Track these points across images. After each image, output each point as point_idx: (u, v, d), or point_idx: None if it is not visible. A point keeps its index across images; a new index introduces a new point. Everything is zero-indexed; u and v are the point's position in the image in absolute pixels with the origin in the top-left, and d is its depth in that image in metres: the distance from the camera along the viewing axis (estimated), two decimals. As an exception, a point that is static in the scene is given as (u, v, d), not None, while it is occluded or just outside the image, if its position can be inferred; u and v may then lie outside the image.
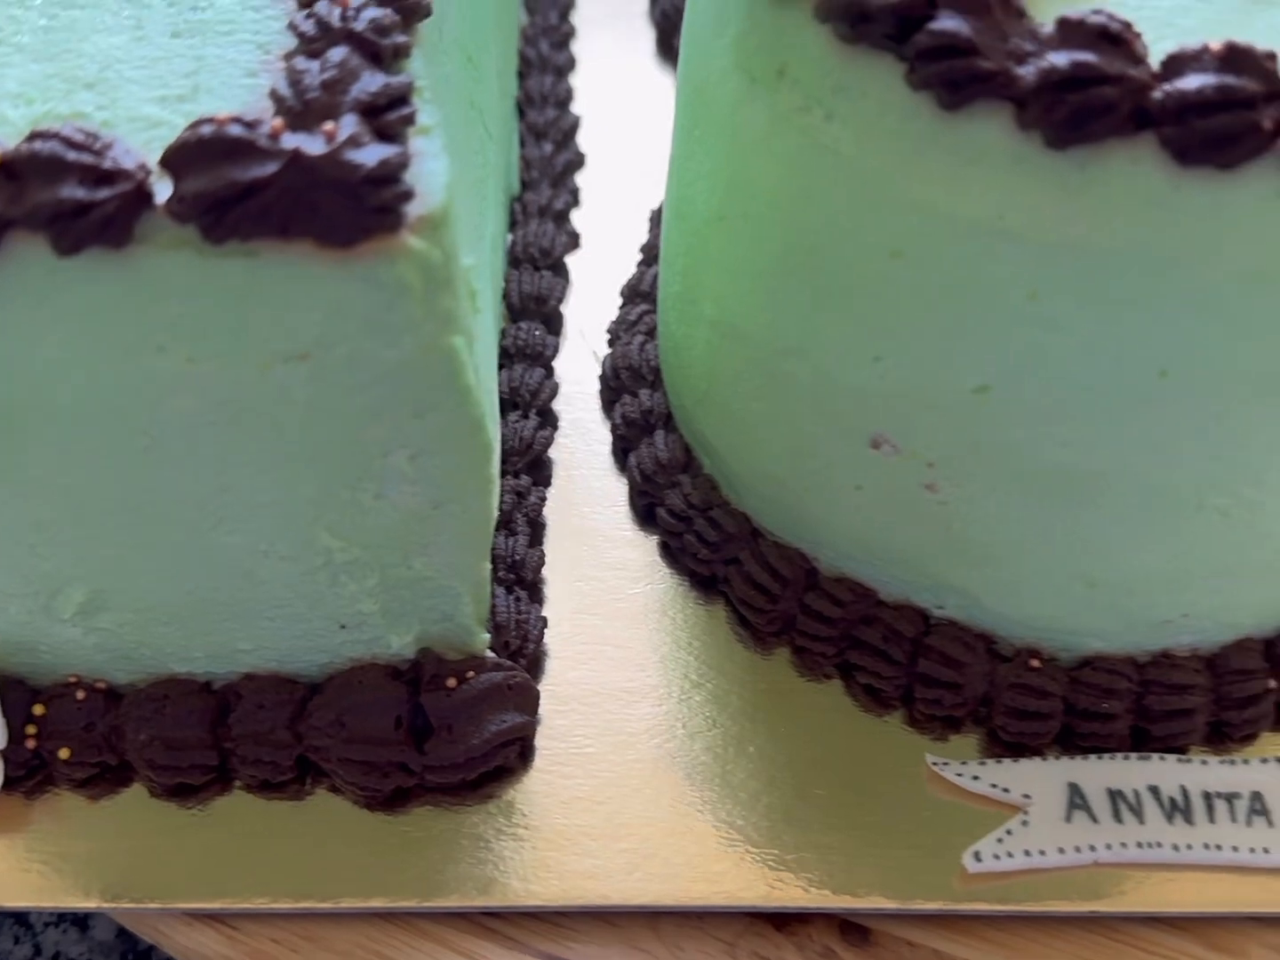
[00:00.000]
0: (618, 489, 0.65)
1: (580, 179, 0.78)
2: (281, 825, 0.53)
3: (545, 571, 0.61)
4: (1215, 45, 0.37)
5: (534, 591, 0.59)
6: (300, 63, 0.40)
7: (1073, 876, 0.52)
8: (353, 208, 0.38)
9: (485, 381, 0.48)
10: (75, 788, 0.54)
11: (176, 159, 0.37)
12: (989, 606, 0.55)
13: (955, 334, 0.44)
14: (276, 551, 0.48)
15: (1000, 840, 0.52)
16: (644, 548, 0.62)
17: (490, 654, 0.55)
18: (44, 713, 0.53)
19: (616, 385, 0.66)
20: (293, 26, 0.41)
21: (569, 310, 0.72)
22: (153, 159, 0.39)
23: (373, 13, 0.41)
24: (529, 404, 0.65)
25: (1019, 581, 0.53)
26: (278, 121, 0.37)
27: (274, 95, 0.39)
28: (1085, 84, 0.37)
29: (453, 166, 0.41)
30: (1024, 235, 0.41)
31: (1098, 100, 0.37)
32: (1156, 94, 0.38)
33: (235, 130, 0.37)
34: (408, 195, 0.38)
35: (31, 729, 0.53)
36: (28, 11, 0.43)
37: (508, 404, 0.65)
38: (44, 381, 0.41)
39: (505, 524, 0.60)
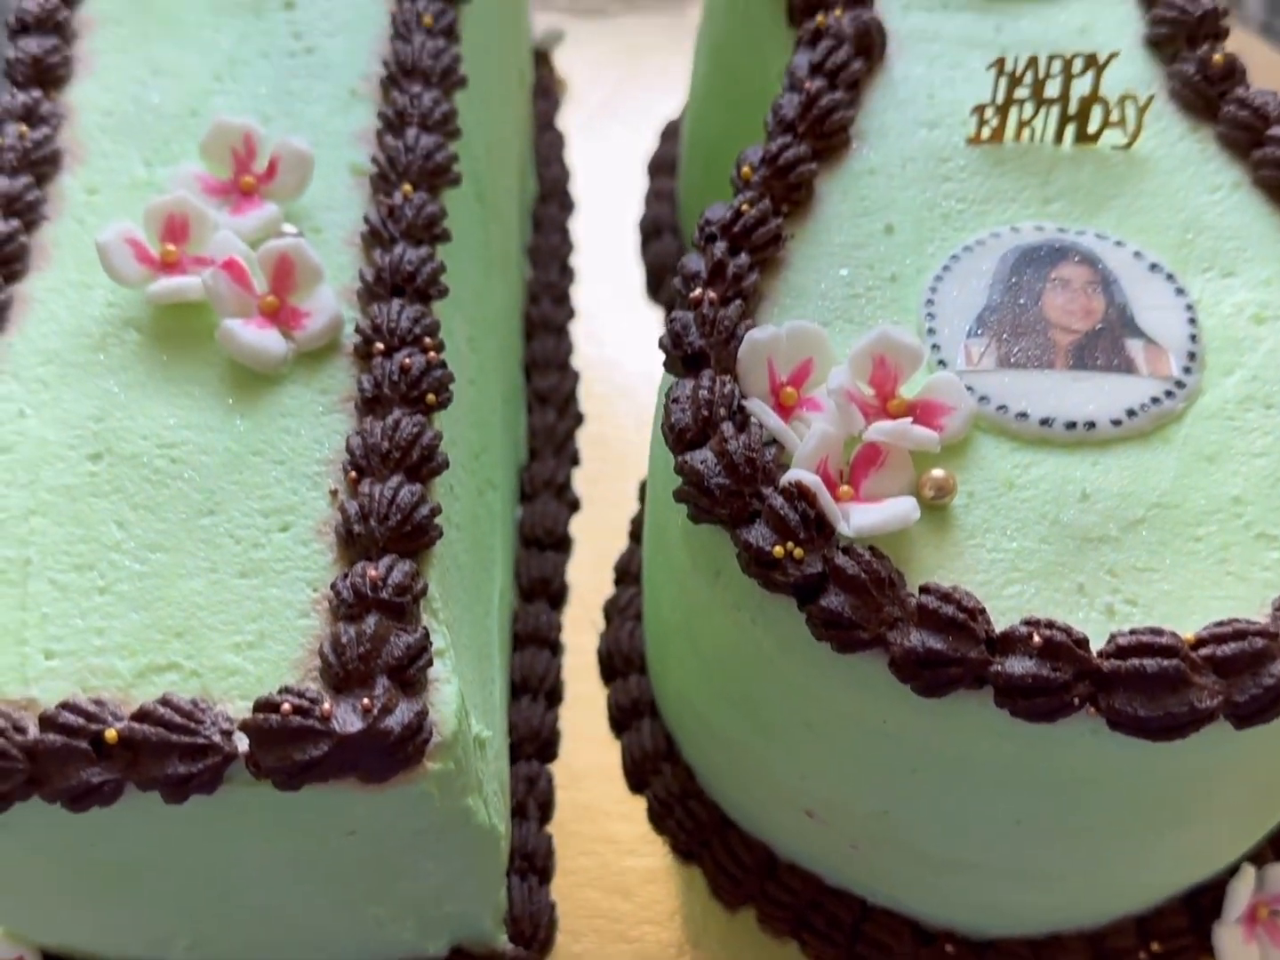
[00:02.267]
0: (614, 761, 0.77)
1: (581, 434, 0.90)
2: None
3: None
4: (1037, 638, 0.49)
5: (544, 875, 0.72)
6: (342, 630, 0.52)
7: None
8: (385, 762, 0.50)
9: (495, 803, 0.60)
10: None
11: (254, 736, 0.49)
12: (911, 906, 0.67)
13: (858, 779, 0.57)
14: (334, 918, 0.61)
15: None
16: (635, 819, 0.75)
17: (509, 946, 0.68)
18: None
19: (610, 667, 0.78)
20: (335, 590, 0.53)
21: (573, 567, 0.84)
22: (232, 709, 0.51)
23: (397, 577, 0.52)
24: (538, 688, 0.78)
25: (932, 896, 0.66)
26: (327, 705, 0.50)
27: (322, 657, 0.52)
28: (937, 664, 0.49)
29: (462, 671, 0.54)
30: (903, 736, 0.53)
31: (945, 677, 0.49)
32: (993, 667, 0.49)
33: (296, 721, 0.49)
34: (427, 741, 0.51)
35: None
36: (123, 556, 0.55)
37: (519, 689, 0.77)
38: (158, 854, 0.54)
39: (518, 811, 0.73)
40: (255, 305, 0.61)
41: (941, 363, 0.58)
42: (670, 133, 1.02)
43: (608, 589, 0.83)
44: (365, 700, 0.50)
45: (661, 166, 1.00)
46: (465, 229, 0.71)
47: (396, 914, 0.62)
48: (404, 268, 0.62)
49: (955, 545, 0.53)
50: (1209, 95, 0.65)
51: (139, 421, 0.58)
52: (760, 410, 0.55)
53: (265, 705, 0.50)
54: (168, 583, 0.55)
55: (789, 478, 0.52)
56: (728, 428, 0.54)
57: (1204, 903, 0.66)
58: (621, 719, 0.76)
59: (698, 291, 0.59)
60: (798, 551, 0.51)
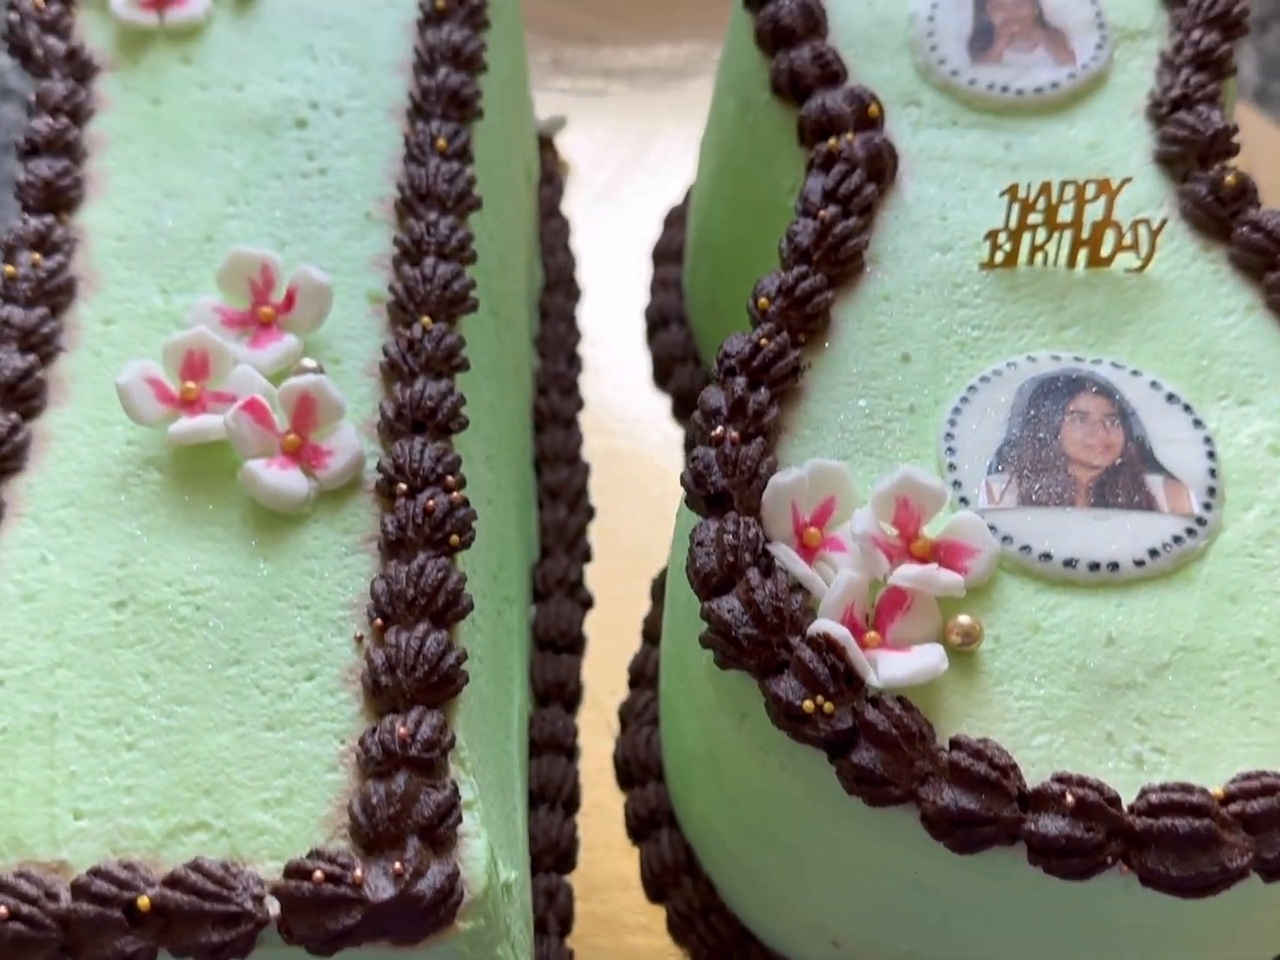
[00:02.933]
0: (632, 870, 0.77)
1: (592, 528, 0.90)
2: None
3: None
4: (1070, 797, 0.49)
5: (567, 993, 0.72)
6: (371, 790, 0.52)
7: None
8: (418, 925, 0.50)
9: (521, 941, 0.60)
10: None
11: (285, 904, 0.49)
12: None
13: (889, 921, 0.57)
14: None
15: None
16: (655, 931, 0.75)
17: (537, 1068, 0.68)
18: None
19: (627, 773, 0.78)
20: (364, 746, 0.53)
21: (587, 665, 0.84)
22: (263, 870, 0.51)
23: (426, 732, 0.52)
24: (555, 797, 0.78)
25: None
26: (358, 872, 0.49)
27: (352, 817, 0.51)
28: (970, 823, 0.49)
29: (489, 825, 0.54)
30: (936, 885, 0.53)
31: (979, 836, 0.49)
32: (1026, 825, 0.49)
33: (328, 890, 0.49)
34: (459, 902, 0.51)
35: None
36: (149, 709, 0.55)
37: (536, 797, 0.77)
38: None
39: (539, 926, 0.73)
40: (277, 444, 0.61)
41: (963, 500, 0.58)
42: (674, 219, 1.02)
43: (622, 689, 0.83)
44: (397, 864, 0.50)
45: (666, 253, 1.00)
46: (481, 348, 0.71)
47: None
48: (425, 403, 0.62)
49: (983, 692, 0.53)
50: (1221, 216, 0.66)
51: (162, 567, 0.58)
52: (786, 556, 0.55)
53: (296, 871, 0.50)
54: (195, 737, 0.55)
55: (817, 628, 0.53)
56: (753, 574, 0.54)
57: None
58: (640, 828, 0.76)
59: (719, 430, 0.59)
60: (828, 706, 0.51)
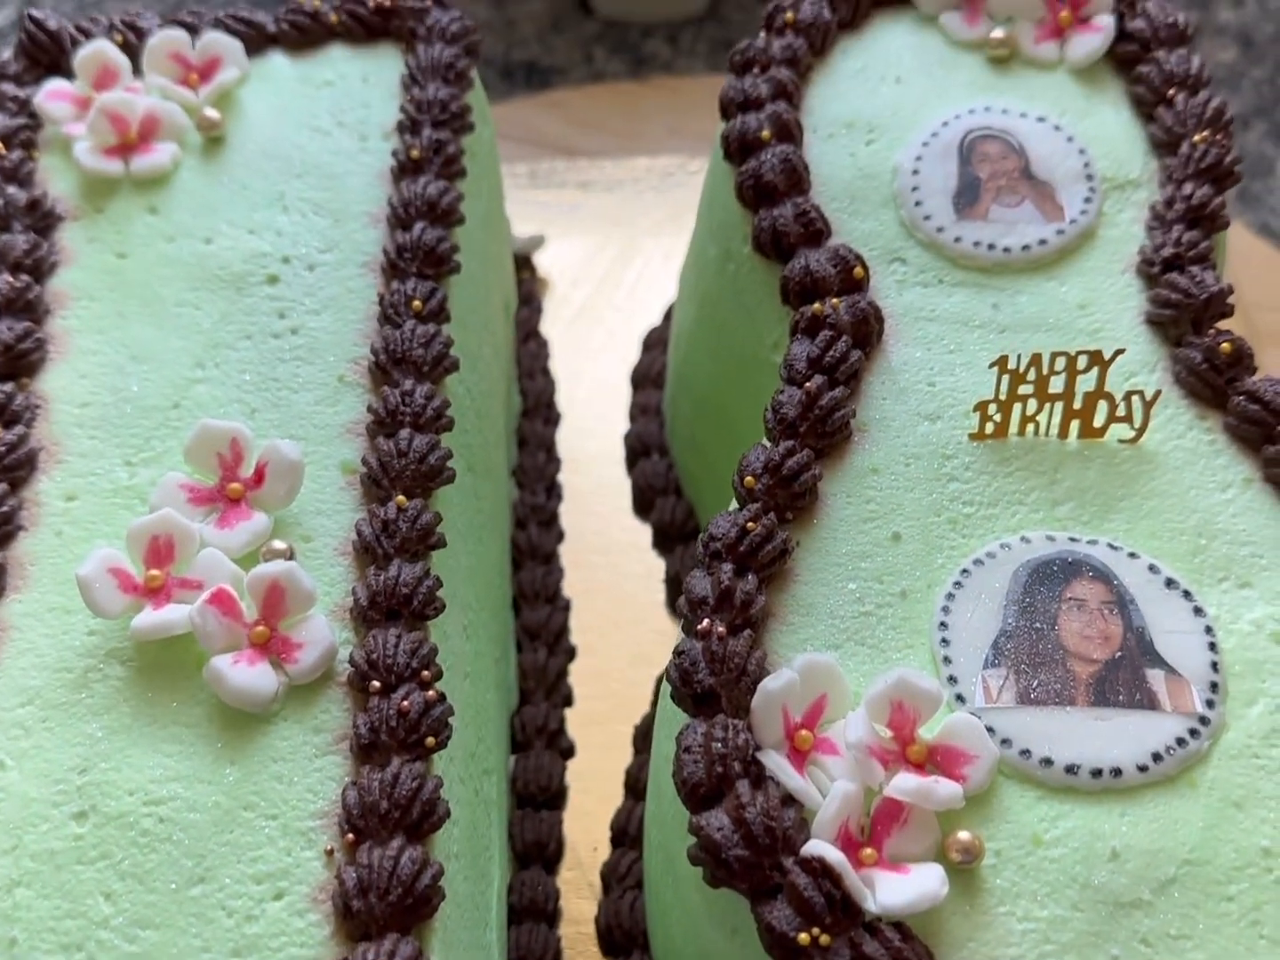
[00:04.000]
0: (616, 1044, 0.74)
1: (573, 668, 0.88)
2: None
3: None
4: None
5: None
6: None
7: None
8: None
9: None
10: None
11: None
12: None
13: None
14: None
15: None
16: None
17: None
18: None
19: (611, 941, 0.76)
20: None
21: (568, 817, 0.81)
22: None
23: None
24: (540, 957, 0.75)
25: None
26: None
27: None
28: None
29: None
30: None
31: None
32: (1031, 1068, 0.47)
33: None
34: None
35: None
36: (111, 934, 0.52)
37: (517, 964, 0.75)
38: None
39: None
40: (245, 636, 0.58)
41: (960, 697, 0.56)
42: (654, 341, 1.01)
43: (604, 844, 0.80)
44: None
45: (646, 378, 0.99)
46: (458, 510, 0.69)
47: None
48: (400, 590, 0.59)
49: (985, 914, 0.51)
50: (1216, 384, 0.64)
51: (124, 773, 0.56)
52: (778, 767, 0.53)
53: None
54: (158, 963, 0.52)
55: (811, 850, 0.50)
56: (743, 786, 0.52)
57: None
58: (626, 1010, 0.74)
59: (705, 623, 0.57)
60: (824, 938, 0.49)
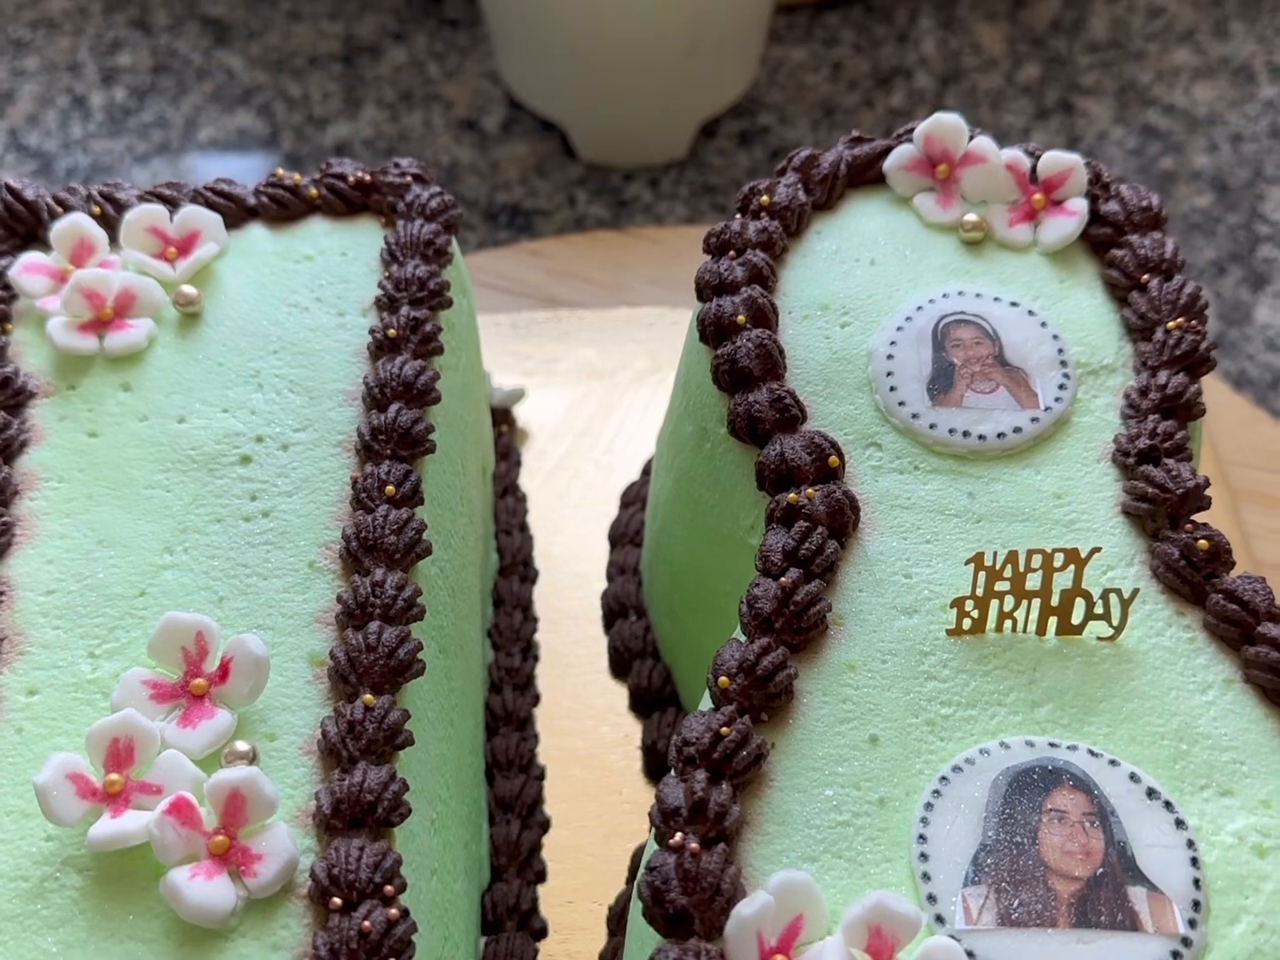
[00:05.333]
0: None
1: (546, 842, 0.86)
2: None
3: None
4: None
5: None
6: None
7: None
8: None
9: None
10: None
11: None
12: None
13: None
14: None
15: None
16: None
17: None
18: None
19: None
20: None
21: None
22: None
23: None
24: None
25: None
26: None
27: None
28: None
29: None
30: None
31: None
32: None
33: None
34: None
35: None
36: None
37: None
38: None
39: None
40: (204, 845, 0.57)
41: (939, 918, 0.55)
42: (632, 498, 1.00)
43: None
44: None
45: (624, 536, 0.98)
46: (429, 698, 0.68)
47: None
48: (364, 798, 0.58)
49: None
50: (1195, 581, 0.64)
51: (75, 994, 0.54)
52: (750, 1001, 0.51)
53: None
54: None
55: None
56: (715, 1021, 0.50)
57: None
58: None
59: (678, 837, 0.55)
60: None
